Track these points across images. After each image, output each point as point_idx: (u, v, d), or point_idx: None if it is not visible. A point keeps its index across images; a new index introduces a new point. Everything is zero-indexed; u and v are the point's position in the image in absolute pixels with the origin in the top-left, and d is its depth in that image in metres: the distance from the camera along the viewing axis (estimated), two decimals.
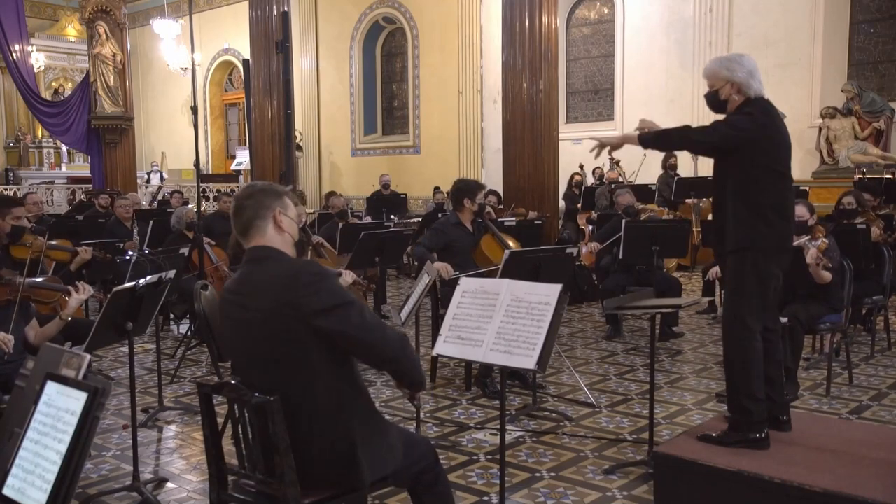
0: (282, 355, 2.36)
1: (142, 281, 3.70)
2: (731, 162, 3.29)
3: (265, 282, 2.39)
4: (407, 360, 2.48)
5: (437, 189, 12.38)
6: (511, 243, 5.72)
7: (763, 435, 3.23)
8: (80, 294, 4.12)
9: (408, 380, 2.55)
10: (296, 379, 2.37)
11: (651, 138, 3.40)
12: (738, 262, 3.29)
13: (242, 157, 17.36)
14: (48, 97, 17.73)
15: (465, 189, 5.70)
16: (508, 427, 4.37)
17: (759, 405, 3.25)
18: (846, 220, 6.21)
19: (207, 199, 14.69)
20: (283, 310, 2.32)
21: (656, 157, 11.07)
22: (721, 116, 3.39)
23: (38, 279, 4.32)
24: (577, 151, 13.37)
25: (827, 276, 4.95)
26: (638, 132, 3.43)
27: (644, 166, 11.16)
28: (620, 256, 6.53)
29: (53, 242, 5.88)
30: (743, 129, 3.23)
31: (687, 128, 3.43)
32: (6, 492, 1.81)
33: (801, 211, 5.21)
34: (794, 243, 4.98)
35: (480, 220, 5.74)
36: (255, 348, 2.42)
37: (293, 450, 2.33)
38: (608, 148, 3.54)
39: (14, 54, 13.78)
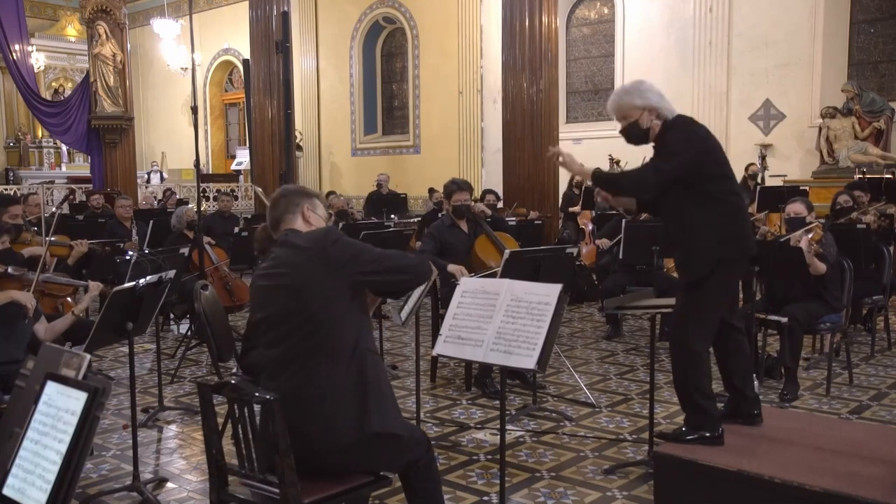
0: (307, 315, 2.51)
1: (142, 281, 3.70)
2: (690, 183, 3.21)
3: (293, 247, 2.62)
4: (422, 265, 2.79)
5: (432, 190, 12.36)
6: (507, 243, 5.71)
7: (718, 433, 3.28)
8: (94, 290, 4.26)
9: (420, 278, 2.81)
10: (318, 351, 2.51)
11: (605, 180, 3.34)
12: (719, 275, 3.23)
13: (242, 157, 17.35)
14: (48, 97, 17.71)
15: (445, 191, 5.85)
16: (508, 427, 4.37)
17: (712, 403, 3.32)
18: (844, 218, 6.20)
19: (207, 199, 14.68)
20: (311, 263, 2.55)
21: None
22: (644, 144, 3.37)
23: (55, 276, 4.36)
24: (577, 151, 13.33)
25: (821, 266, 4.88)
26: (593, 170, 3.36)
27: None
28: (620, 256, 6.53)
29: (52, 238, 5.87)
30: (685, 150, 3.18)
31: (635, 172, 3.27)
32: (6, 492, 1.81)
33: (798, 208, 5.20)
34: (791, 236, 4.96)
35: (474, 221, 5.75)
36: (282, 311, 2.56)
37: (311, 439, 2.46)
38: (561, 157, 3.42)
39: (14, 54, 13.75)
